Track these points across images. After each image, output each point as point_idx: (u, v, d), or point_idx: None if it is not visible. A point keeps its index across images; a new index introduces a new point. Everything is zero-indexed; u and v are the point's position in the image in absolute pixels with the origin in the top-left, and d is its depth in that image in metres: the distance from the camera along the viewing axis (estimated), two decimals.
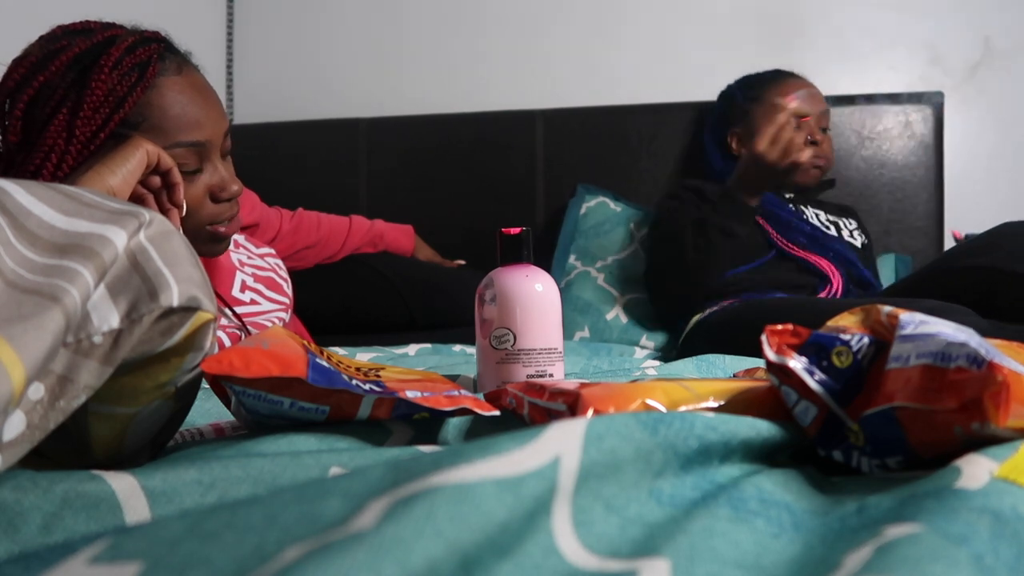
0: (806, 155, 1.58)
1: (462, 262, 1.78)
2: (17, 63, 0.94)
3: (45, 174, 0.91)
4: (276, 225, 1.49)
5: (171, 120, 0.95)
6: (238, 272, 1.17)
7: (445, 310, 1.50)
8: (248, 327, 1.10)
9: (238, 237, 1.28)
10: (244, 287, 1.17)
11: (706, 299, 1.50)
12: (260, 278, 1.20)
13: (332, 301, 1.52)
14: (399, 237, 1.71)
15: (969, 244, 1.23)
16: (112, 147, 0.90)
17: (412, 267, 1.59)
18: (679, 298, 1.51)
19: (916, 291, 1.22)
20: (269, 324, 1.14)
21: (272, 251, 1.32)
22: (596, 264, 1.75)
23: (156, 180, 0.93)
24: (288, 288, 1.26)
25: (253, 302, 1.16)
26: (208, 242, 1.02)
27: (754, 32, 2.00)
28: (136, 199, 0.91)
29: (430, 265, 1.67)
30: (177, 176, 0.93)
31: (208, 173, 0.99)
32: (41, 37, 0.96)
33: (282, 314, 1.19)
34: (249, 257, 1.23)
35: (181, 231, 0.88)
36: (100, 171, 0.88)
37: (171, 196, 0.93)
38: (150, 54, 0.95)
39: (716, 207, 1.44)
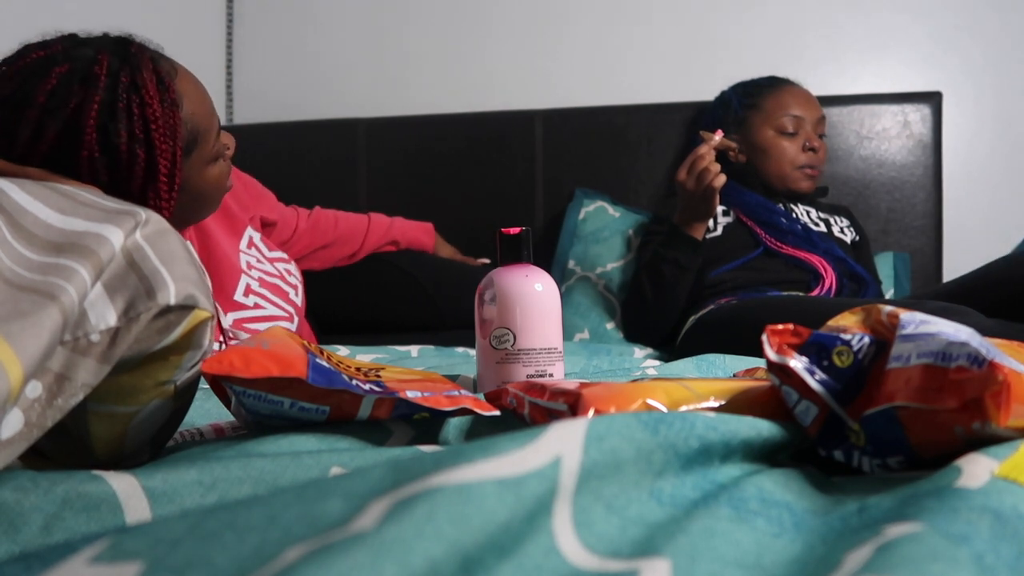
0: (800, 160, 1.59)
1: (486, 260, 1.76)
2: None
3: None
4: (293, 224, 1.47)
5: None
6: (243, 275, 1.15)
7: (472, 309, 1.48)
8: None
9: (253, 235, 1.24)
10: (248, 291, 1.14)
11: (702, 298, 1.51)
12: (266, 283, 1.18)
13: (359, 302, 1.50)
14: (420, 236, 1.69)
15: None
16: None
17: (439, 266, 1.58)
18: (648, 334, 1.58)
19: (979, 287, 1.20)
20: None
21: (284, 256, 1.29)
22: (596, 271, 1.75)
23: None
24: (296, 295, 1.23)
25: (257, 306, 1.14)
26: None
27: (753, 32, 2.00)
28: None
29: (456, 264, 1.66)
30: None
31: None
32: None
33: (287, 324, 1.17)
34: (259, 260, 1.21)
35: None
36: None
37: None
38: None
39: (666, 241, 1.49)
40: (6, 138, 0.84)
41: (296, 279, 1.27)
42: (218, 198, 1.02)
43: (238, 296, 1.13)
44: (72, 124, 0.84)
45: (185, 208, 0.96)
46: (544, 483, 0.31)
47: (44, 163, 0.84)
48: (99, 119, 0.84)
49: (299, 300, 1.24)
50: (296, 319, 1.21)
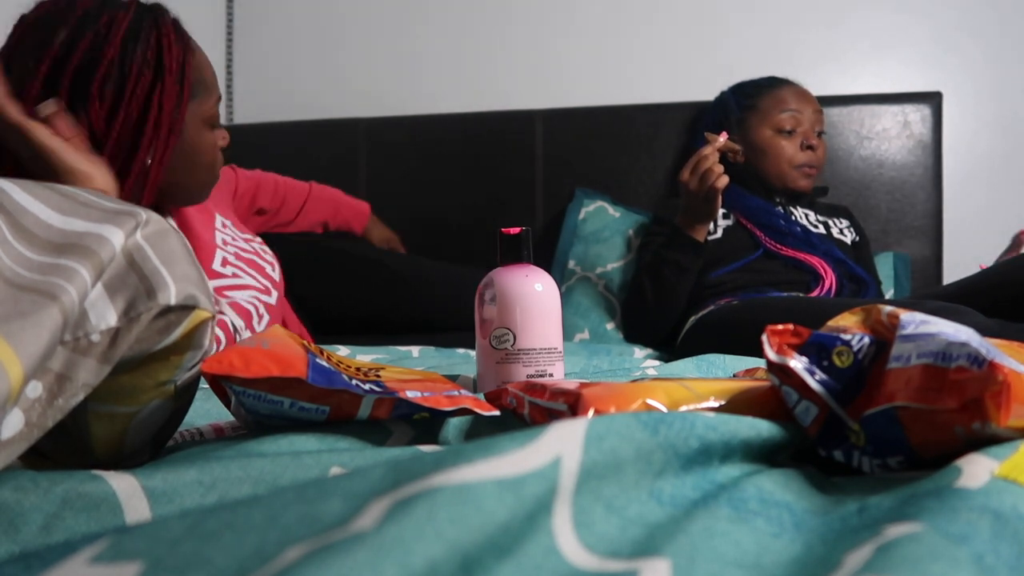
0: (799, 159, 1.59)
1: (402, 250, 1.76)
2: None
3: None
4: (233, 183, 1.48)
5: None
6: (219, 250, 1.18)
7: (463, 311, 1.48)
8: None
9: (224, 220, 1.27)
10: (225, 262, 1.17)
11: (702, 299, 1.51)
12: (242, 257, 1.21)
13: (358, 302, 1.51)
14: (349, 218, 1.70)
15: None
16: None
17: (438, 267, 1.59)
18: (648, 334, 1.58)
19: (979, 288, 1.20)
20: (252, 303, 1.15)
21: (255, 237, 1.32)
22: (596, 271, 1.75)
23: None
24: (273, 271, 1.26)
25: (235, 275, 1.16)
26: None
27: (753, 32, 2.00)
28: None
29: (448, 267, 1.66)
30: None
31: None
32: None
33: (265, 297, 1.19)
34: (233, 239, 1.24)
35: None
36: None
37: None
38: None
39: (668, 243, 1.49)
40: (34, 57, 0.94)
41: (270, 256, 1.31)
42: (206, 171, 1.08)
43: (215, 266, 1.16)
44: (100, 40, 0.94)
45: (177, 166, 1.02)
46: (544, 483, 0.31)
47: (71, 82, 0.93)
48: (124, 38, 0.95)
49: (276, 275, 1.27)
50: (275, 293, 1.23)
